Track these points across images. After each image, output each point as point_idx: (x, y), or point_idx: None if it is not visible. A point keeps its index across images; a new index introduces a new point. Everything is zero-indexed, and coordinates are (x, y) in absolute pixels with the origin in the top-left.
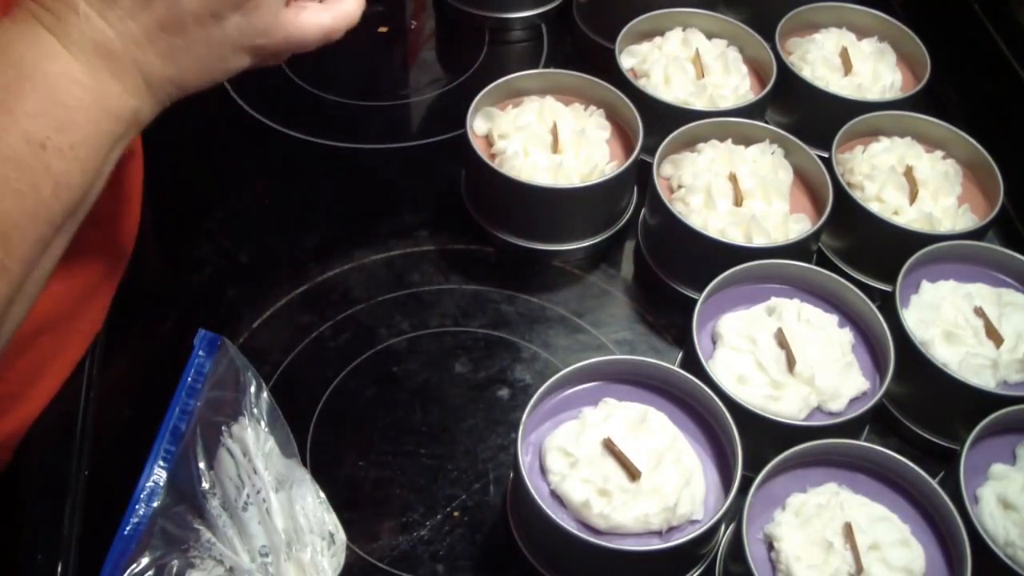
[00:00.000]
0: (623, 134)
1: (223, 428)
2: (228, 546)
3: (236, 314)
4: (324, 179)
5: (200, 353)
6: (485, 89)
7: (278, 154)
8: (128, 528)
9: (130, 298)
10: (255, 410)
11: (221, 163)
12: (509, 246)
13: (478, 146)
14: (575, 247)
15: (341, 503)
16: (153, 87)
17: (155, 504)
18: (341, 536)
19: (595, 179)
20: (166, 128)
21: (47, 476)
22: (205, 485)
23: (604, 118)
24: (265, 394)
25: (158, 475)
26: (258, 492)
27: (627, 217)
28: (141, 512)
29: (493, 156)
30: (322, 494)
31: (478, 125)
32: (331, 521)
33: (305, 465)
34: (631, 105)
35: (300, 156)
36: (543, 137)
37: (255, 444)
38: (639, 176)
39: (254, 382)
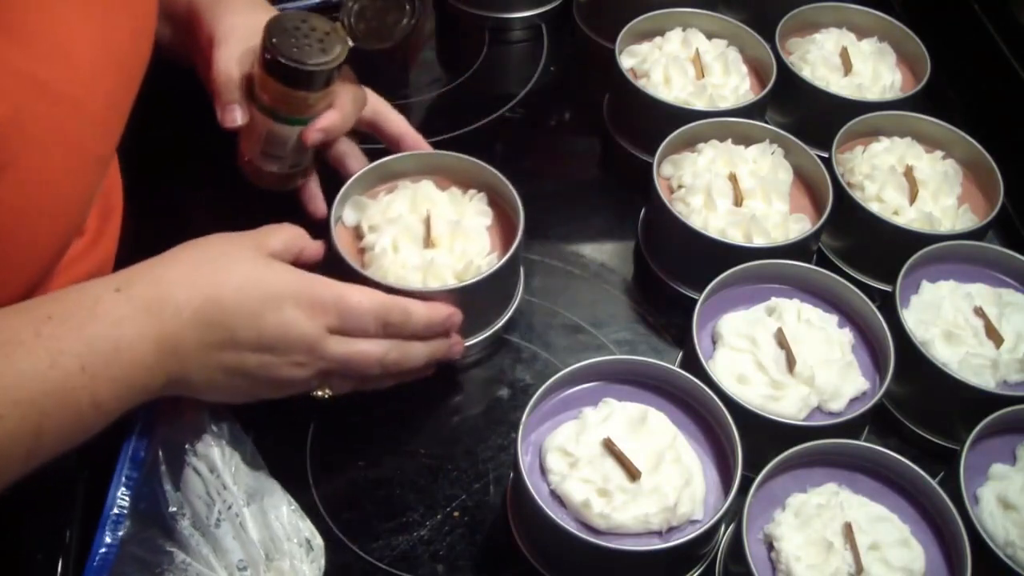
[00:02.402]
0: (506, 217)
1: (187, 447)
2: (204, 564)
3: None
4: (326, 180)
5: None
6: (355, 175)
7: None
8: (97, 559)
9: None
10: (215, 427)
11: (221, 163)
12: None
13: (342, 243)
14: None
15: (341, 503)
16: (182, 391)
17: (121, 533)
18: (318, 541)
19: (469, 277)
20: (166, 128)
21: (47, 476)
22: (173, 508)
23: (485, 203)
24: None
25: (122, 501)
26: (229, 507)
27: (515, 302)
28: (108, 541)
29: (362, 251)
30: (294, 502)
31: (347, 216)
32: (307, 528)
33: (306, 465)
34: (511, 188)
35: None
36: (415, 229)
37: (221, 460)
38: (639, 176)
39: None
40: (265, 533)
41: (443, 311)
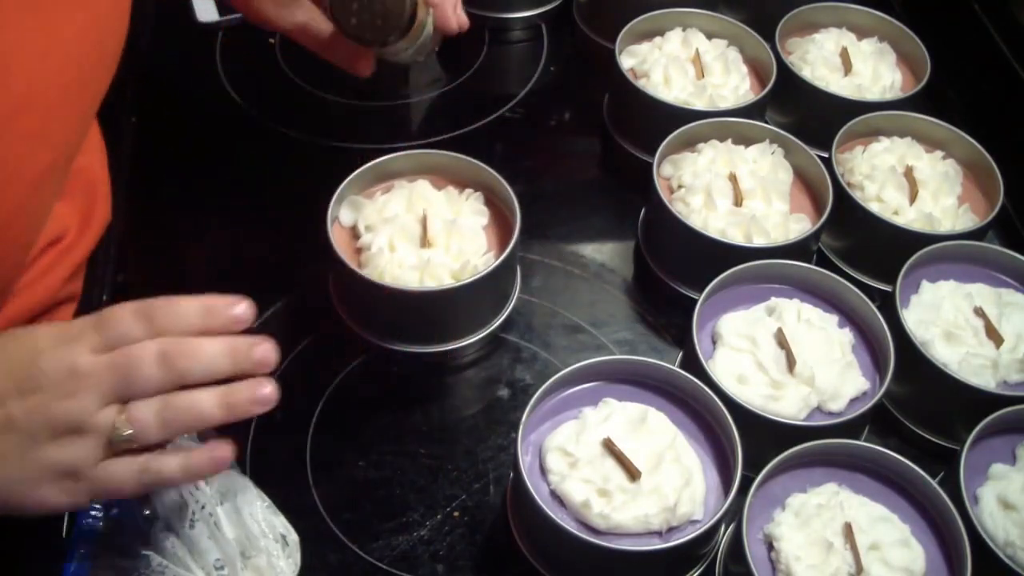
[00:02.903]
0: (502, 217)
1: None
2: (181, 566)
3: None
4: (324, 179)
5: None
6: (351, 176)
7: (278, 154)
8: (72, 569)
9: (129, 298)
10: None
11: (221, 163)
12: (382, 350)
13: (339, 243)
14: (453, 347)
15: (341, 503)
16: None
17: (96, 540)
18: (293, 536)
19: (466, 277)
20: (166, 128)
21: None
22: (146, 511)
23: (482, 202)
24: None
25: (95, 510)
26: (203, 507)
27: (512, 302)
28: (83, 551)
29: (359, 251)
30: (267, 498)
31: (344, 216)
32: (281, 523)
33: (306, 465)
34: (507, 187)
35: (300, 156)
36: (411, 229)
37: None
38: (639, 176)
39: None
40: (240, 531)
41: (222, 296)
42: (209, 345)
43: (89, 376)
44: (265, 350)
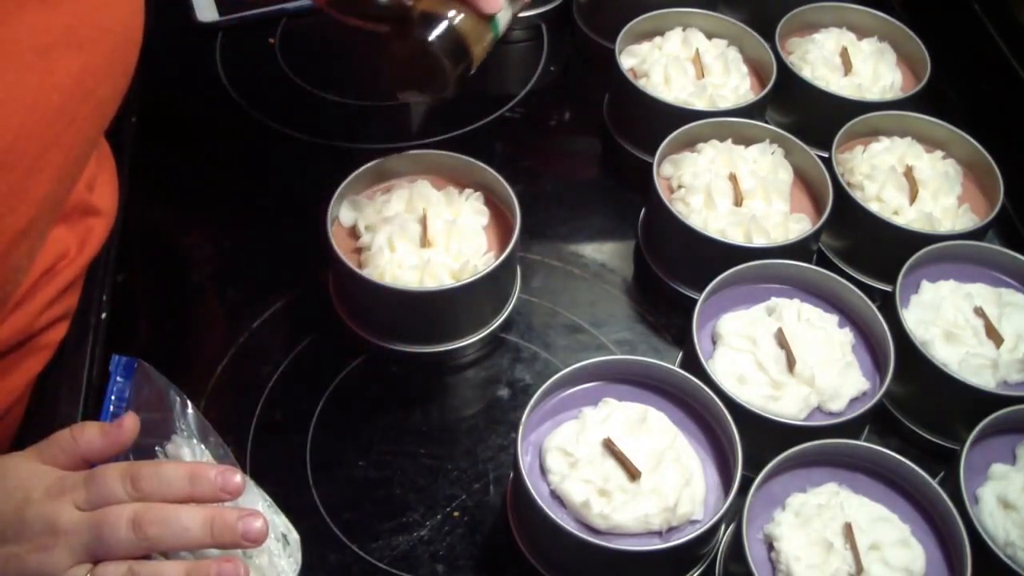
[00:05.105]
0: (502, 217)
1: (156, 449)
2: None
3: (236, 314)
4: (325, 179)
5: (118, 379)
6: (351, 175)
7: (278, 154)
8: None
9: (129, 298)
10: (183, 426)
11: (221, 163)
12: (382, 350)
13: (338, 242)
14: (453, 347)
15: (341, 503)
16: None
17: None
18: (294, 536)
19: (466, 277)
20: (166, 128)
21: None
22: None
23: (482, 202)
24: (191, 409)
25: None
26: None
27: (512, 302)
28: None
29: (359, 251)
30: (268, 497)
31: (344, 216)
32: (282, 523)
33: (306, 465)
34: (507, 187)
35: (300, 156)
36: (411, 229)
37: (192, 460)
38: (639, 176)
39: (178, 399)
40: None
41: (211, 465)
42: (186, 514)
43: (67, 533)
44: (249, 523)
